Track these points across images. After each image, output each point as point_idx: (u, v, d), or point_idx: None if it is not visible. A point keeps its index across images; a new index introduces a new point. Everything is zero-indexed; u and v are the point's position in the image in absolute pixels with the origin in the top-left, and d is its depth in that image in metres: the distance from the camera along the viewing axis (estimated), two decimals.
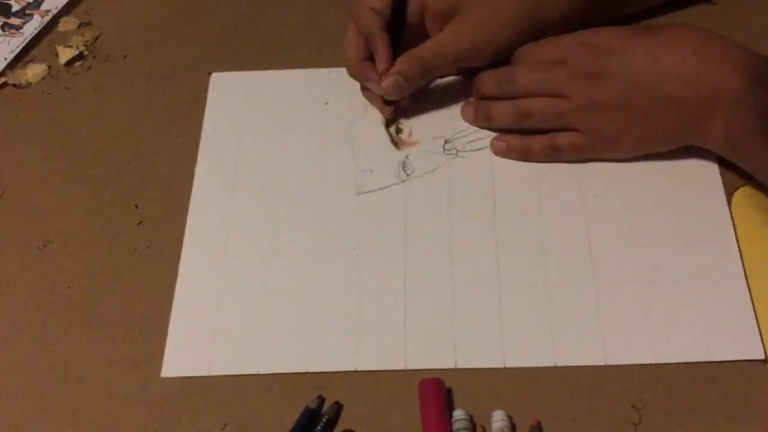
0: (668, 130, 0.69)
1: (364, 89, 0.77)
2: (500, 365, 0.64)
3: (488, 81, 0.74)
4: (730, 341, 0.64)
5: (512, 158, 0.73)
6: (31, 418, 0.65)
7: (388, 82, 0.73)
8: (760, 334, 0.64)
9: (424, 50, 0.74)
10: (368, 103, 0.78)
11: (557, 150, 0.72)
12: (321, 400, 0.63)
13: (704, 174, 0.71)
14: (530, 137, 0.73)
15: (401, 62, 0.73)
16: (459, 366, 0.64)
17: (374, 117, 0.78)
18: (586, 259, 0.68)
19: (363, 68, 0.75)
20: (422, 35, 0.75)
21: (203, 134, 0.78)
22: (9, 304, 0.70)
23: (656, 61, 0.68)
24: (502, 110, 0.73)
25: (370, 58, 0.75)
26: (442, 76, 0.78)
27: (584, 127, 0.71)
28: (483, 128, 0.75)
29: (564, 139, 0.72)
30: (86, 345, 0.68)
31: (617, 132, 0.70)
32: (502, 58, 0.75)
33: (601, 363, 0.63)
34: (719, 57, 0.66)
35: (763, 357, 0.63)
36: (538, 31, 0.74)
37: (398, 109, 0.77)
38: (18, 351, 0.68)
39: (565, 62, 0.71)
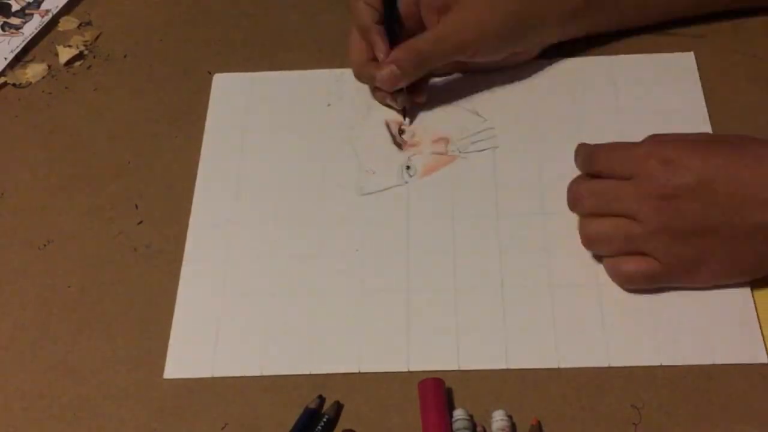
0: (759, 260, 0.63)
1: (375, 90, 0.77)
2: (503, 366, 0.64)
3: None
4: (733, 344, 0.63)
5: None
6: (31, 418, 0.65)
7: (383, 72, 0.73)
8: (763, 338, 0.64)
9: (421, 41, 0.73)
10: (371, 104, 0.78)
11: (626, 277, 0.65)
12: (321, 399, 0.63)
13: None
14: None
15: (397, 51, 0.73)
16: (462, 368, 0.64)
17: (377, 118, 0.78)
18: (589, 261, 0.68)
19: (368, 68, 0.75)
20: (419, 28, 0.76)
21: (205, 135, 0.78)
22: (9, 303, 0.70)
23: (740, 183, 0.61)
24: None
25: (375, 59, 0.75)
26: (438, 73, 0.78)
27: (658, 254, 0.63)
28: None
29: (635, 265, 0.64)
30: (86, 344, 0.68)
31: (696, 260, 0.63)
32: (499, 55, 0.75)
33: (605, 365, 0.63)
34: None
35: (766, 361, 0.63)
36: (533, 27, 0.74)
37: (412, 110, 0.77)
38: (18, 350, 0.68)
39: (635, 178, 0.63)
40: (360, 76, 0.77)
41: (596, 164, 0.66)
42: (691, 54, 0.78)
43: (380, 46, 0.74)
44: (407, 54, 0.73)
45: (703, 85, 0.76)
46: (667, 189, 0.62)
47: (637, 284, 0.66)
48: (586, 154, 0.68)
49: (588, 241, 0.67)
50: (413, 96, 0.76)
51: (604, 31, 0.79)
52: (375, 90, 0.77)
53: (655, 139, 0.65)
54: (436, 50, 0.73)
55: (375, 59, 0.75)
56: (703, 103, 0.75)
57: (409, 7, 0.75)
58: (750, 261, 0.63)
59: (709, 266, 0.64)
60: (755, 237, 0.62)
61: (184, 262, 0.71)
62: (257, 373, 0.65)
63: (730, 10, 0.80)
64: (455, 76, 0.79)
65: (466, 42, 0.73)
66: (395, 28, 0.75)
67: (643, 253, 0.64)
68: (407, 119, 0.77)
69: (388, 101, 0.77)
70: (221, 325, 0.68)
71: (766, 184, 0.61)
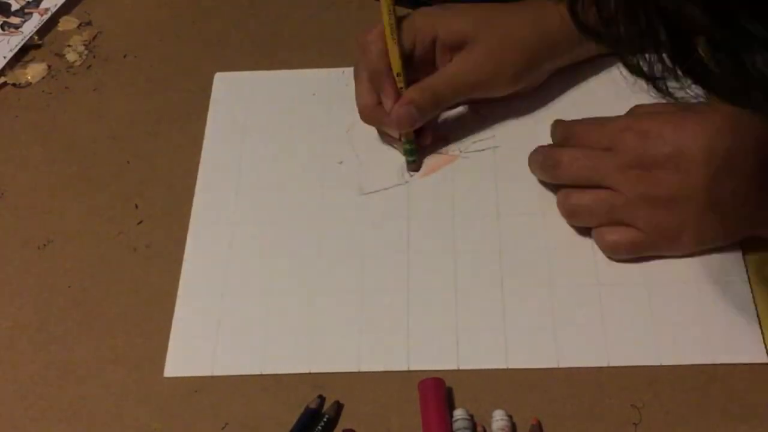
0: (736, 225, 0.65)
1: (382, 134, 0.76)
2: (503, 366, 0.64)
3: (533, 162, 0.71)
4: (734, 344, 0.64)
5: None
6: (31, 417, 0.65)
7: (400, 112, 0.70)
8: (763, 337, 0.64)
9: (435, 80, 0.72)
10: None
11: (611, 247, 0.67)
12: (321, 399, 0.63)
13: None
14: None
15: (412, 92, 0.71)
16: (462, 367, 0.64)
17: None
18: (589, 260, 0.68)
19: (376, 111, 0.73)
20: (431, 68, 0.74)
21: (206, 134, 0.78)
22: (9, 303, 0.70)
23: (714, 152, 0.62)
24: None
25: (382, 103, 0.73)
26: (452, 107, 0.77)
27: (639, 223, 0.65)
28: None
29: (618, 235, 0.66)
30: (86, 344, 0.68)
31: (677, 227, 0.65)
32: (515, 88, 0.74)
33: (604, 364, 0.64)
34: None
35: (766, 360, 0.63)
36: (546, 57, 0.74)
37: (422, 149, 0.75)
38: (18, 350, 0.68)
39: (613, 150, 0.66)
40: (368, 120, 0.74)
41: (575, 138, 0.69)
42: None
43: (390, 92, 0.71)
44: (423, 94, 0.71)
45: None
46: (645, 159, 0.64)
47: (622, 254, 0.67)
48: (564, 127, 0.70)
49: (570, 213, 0.68)
50: (420, 139, 0.74)
51: (606, 52, 0.77)
52: (382, 133, 0.75)
53: (632, 113, 0.68)
54: (451, 89, 0.72)
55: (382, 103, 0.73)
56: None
57: (425, 48, 0.73)
58: (729, 225, 0.65)
59: (690, 233, 0.65)
60: (731, 202, 0.63)
61: (184, 261, 0.71)
62: (258, 372, 0.65)
63: None
64: None
65: (481, 80, 0.72)
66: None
67: (626, 224, 0.66)
68: (411, 169, 0.74)
69: (395, 145, 0.75)
70: (222, 324, 0.68)
71: (740, 152, 0.62)
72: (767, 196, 0.62)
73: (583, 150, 0.68)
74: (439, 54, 0.73)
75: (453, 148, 0.75)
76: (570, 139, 0.70)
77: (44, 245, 0.73)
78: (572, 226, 0.69)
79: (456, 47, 0.72)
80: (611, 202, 0.66)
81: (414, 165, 0.74)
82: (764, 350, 0.63)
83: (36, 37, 0.87)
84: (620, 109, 0.75)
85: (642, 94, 0.74)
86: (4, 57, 0.85)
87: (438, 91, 0.72)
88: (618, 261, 0.67)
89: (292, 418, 0.62)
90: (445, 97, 0.72)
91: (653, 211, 0.65)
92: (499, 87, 0.73)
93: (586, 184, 0.67)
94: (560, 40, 0.73)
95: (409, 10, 0.75)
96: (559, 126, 0.71)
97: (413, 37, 0.72)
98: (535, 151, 0.71)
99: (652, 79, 0.44)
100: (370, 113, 0.74)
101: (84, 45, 0.86)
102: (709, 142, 0.63)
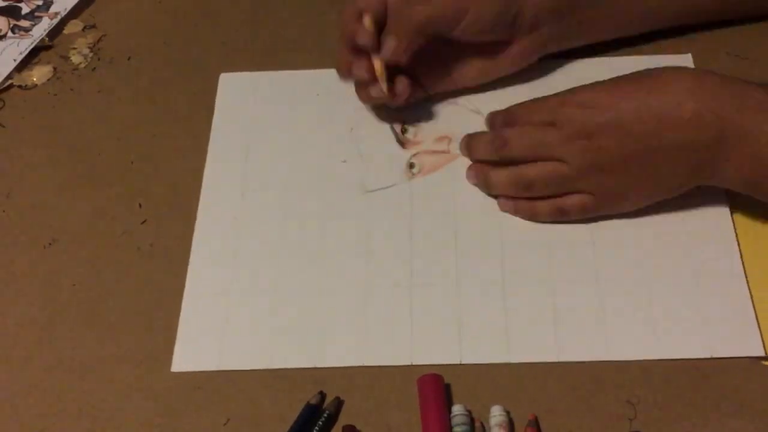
0: (678, 177, 0.67)
1: (360, 90, 0.77)
2: (505, 360, 0.65)
3: (479, 145, 0.73)
4: (731, 338, 0.64)
5: (521, 217, 0.72)
6: (37, 413, 0.65)
7: (387, 45, 0.72)
8: (760, 331, 0.64)
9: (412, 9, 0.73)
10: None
11: (565, 213, 0.70)
12: (322, 395, 0.64)
13: None
14: (536, 202, 0.71)
15: (390, 22, 0.73)
16: (464, 362, 0.65)
17: (380, 117, 0.78)
18: (589, 257, 0.69)
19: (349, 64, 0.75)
20: None
21: (212, 134, 0.79)
22: (15, 301, 0.71)
23: (650, 109, 0.65)
24: (502, 178, 0.71)
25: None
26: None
27: (590, 188, 0.69)
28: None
29: (570, 201, 0.70)
30: (91, 341, 0.68)
31: (624, 188, 0.68)
32: (488, 27, 0.74)
33: (604, 359, 0.64)
34: (716, 94, 0.64)
35: (763, 353, 0.63)
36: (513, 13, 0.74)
37: (401, 109, 0.76)
38: (24, 347, 0.69)
39: (556, 125, 0.68)
40: (343, 75, 0.76)
41: (518, 120, 0.72)
42: (689, 56, 0.79)
43: (361, 32, 0.72)
44: (398, 24, 0.72)
45: None
46: (587, 129, 0.67)
47: (575, 216, 0.70)
48: (505, 113, 0.73)
49: (526, 186, 0.70)
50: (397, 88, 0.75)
51: (593, 40, 0.79)
52: (359, 89, 0.76)
53: (566, 90, 0.70)
54: (427, 14, 0.73)
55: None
56: None
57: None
58: (673, 179, 0.67)
59: (637, 191, 0.69)
60: (672, 154, 0.65)
61: (191, 259, 0.71)
62: (263, 367, 0.66)
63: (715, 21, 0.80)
64: None
65: (446, 14, 0.73)
66: None
67: (577, 191, 0.69)
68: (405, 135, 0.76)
69: (375, 98, 0.75)
70: (228, 320, 0.68)
71: (673, 105, 0.64)
72: (704, 149, 0.64)
73: (529, 126, 0.71)
74: None
75: (453, 147, 0.76)
76: (513, 123, 0.72)
77: (49, 244, 0.74)
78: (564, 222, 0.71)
79: None
80: (562, 173, 0.69)
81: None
82: (761, 344, 0.64)
83: (47, 39, 0.88)
84: None
85: None
86: (14, 60, 0.86)
87: (408, 25, 0.73)
88: (566, 222, 0.71)
89: (294, 414, 0.63)
90: (422, 23, 0.73)
91: (601, 176, 0.68)
92: (473, 21, 0.73)
93: (534, 158, 0.70)
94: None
95: None
96: (499, 114, 0.74)
97: None
98: (475, 139, 0.74)
99: None
100: (345, 67, 0.75)
101: (89, 47, 0.87)
102: (644, 101, 0.65)
